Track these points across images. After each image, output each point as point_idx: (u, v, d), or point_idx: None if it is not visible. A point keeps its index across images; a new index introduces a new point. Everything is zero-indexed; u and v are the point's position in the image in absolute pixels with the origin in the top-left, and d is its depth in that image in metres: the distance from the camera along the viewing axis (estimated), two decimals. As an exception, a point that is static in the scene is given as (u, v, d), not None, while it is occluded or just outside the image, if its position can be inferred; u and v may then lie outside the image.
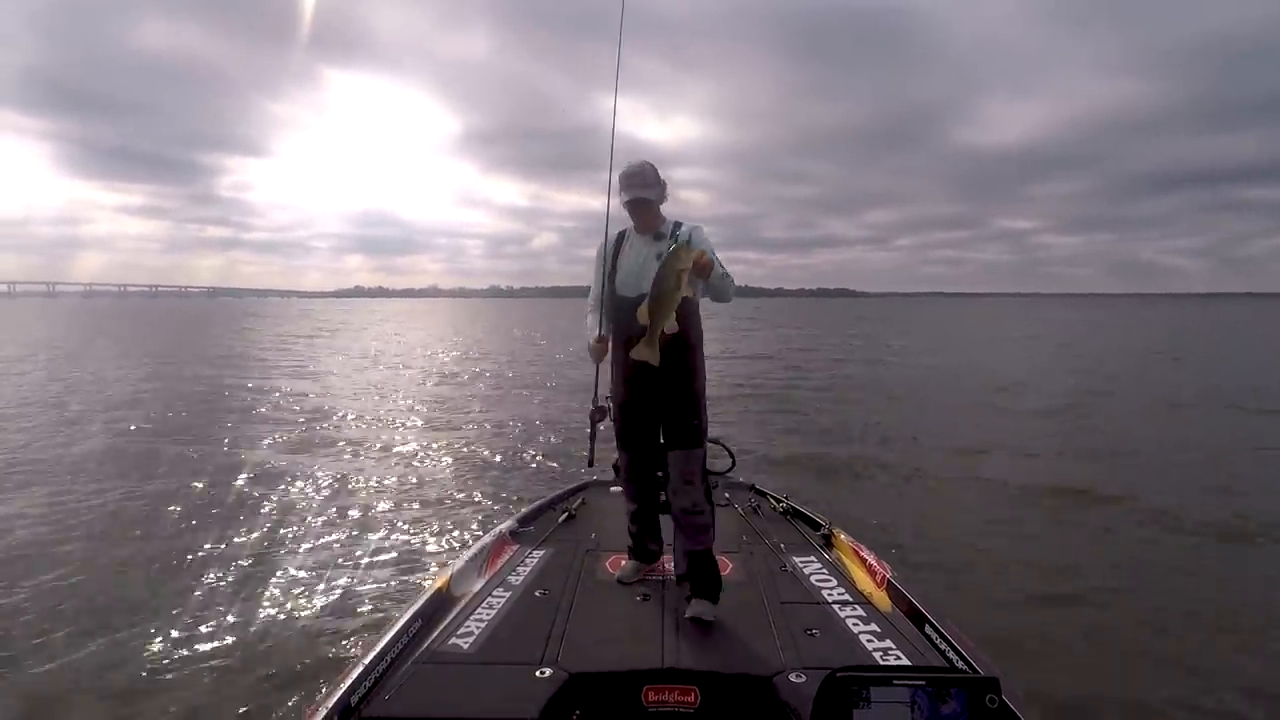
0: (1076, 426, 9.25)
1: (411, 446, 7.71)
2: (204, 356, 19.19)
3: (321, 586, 3.95)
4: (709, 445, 2.62)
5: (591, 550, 2.91)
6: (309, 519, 5.10)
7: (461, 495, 5.77)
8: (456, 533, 4.81)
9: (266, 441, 7.90)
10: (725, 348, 21.13)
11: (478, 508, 5.41)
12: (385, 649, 1.98)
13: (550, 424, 8.99)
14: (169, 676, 3.03)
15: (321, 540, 4.69)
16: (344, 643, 3.29)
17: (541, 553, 2.87)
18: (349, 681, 1.79)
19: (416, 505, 5.50)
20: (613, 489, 3.61)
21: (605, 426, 3.45)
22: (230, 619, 3.54)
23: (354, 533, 4.84)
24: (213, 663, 3.14)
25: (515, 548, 2.93)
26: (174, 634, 3.37)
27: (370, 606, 3.69)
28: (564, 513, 3.33)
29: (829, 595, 2.47)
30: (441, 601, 2.37)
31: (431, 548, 4.57)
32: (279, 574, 4.12)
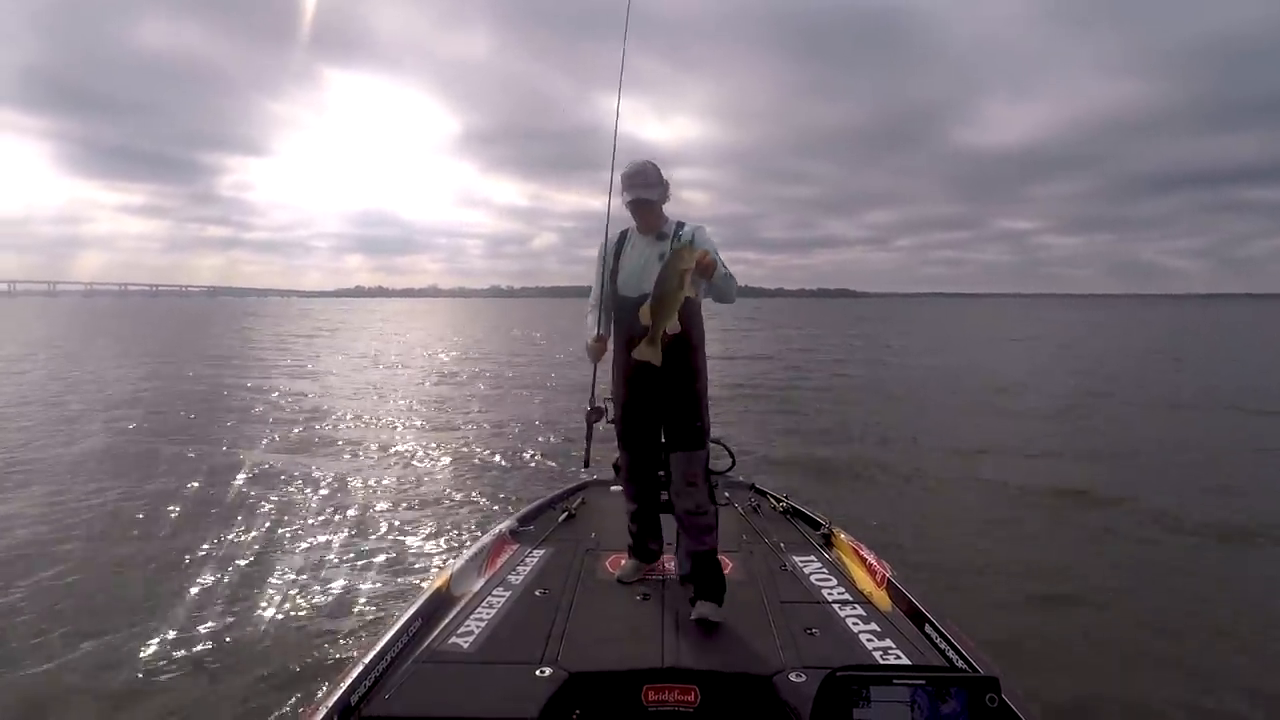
0: (1077, 427, 9.26)
1: (410, 447, 7.71)
2: (204, 356, 19.20)
3: (320, 586, 3.95)
4: (709, 445, 2.62)
5: (591, 550, 2.90)
6: (307, 519, 5.10)
7: (459, 495, 5.76)
8: (454, 533, 4.80)
9: (265, 441, 7.91)
10: (725, 348, 21.13)
11: (476, 508, 5.41)
12: (385, 648, 1.98)
13: (549, 424, 8.99)
14: (167, 677, 3.02)
15: (320, 540, 4.68)
16: (343, 643, 3.29)
17: (541, 552, 2.87)
18: (349, 680, 1.79)
19: (415, 505, 5.50)
20: (613, 488, 3.61)
21: (602, 427, 3.44)
22: (229, 619, 3.54)
23: (352, 533, 4.84)
24: (211, 663, 3.14)
25: (515, 547, 2.93)
26: (172, 634, 3.36)
27: (369, 606, 3.68)
28: (564, 512, 3.33)
29: (829, 594, 2.47)
30: (441, 601, 2.37)
31: (430, 548, 4.57)
32: (278, 574, 4.12)
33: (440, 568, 3.35)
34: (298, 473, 6.42)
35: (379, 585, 3.96)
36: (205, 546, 4.50)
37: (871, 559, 2.70)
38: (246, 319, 49.66)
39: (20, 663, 3.11)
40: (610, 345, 2.67)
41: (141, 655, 3.17)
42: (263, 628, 3.46)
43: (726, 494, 3.58)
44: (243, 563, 4.25)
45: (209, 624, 3.48)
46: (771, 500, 3.57)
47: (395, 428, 8.93)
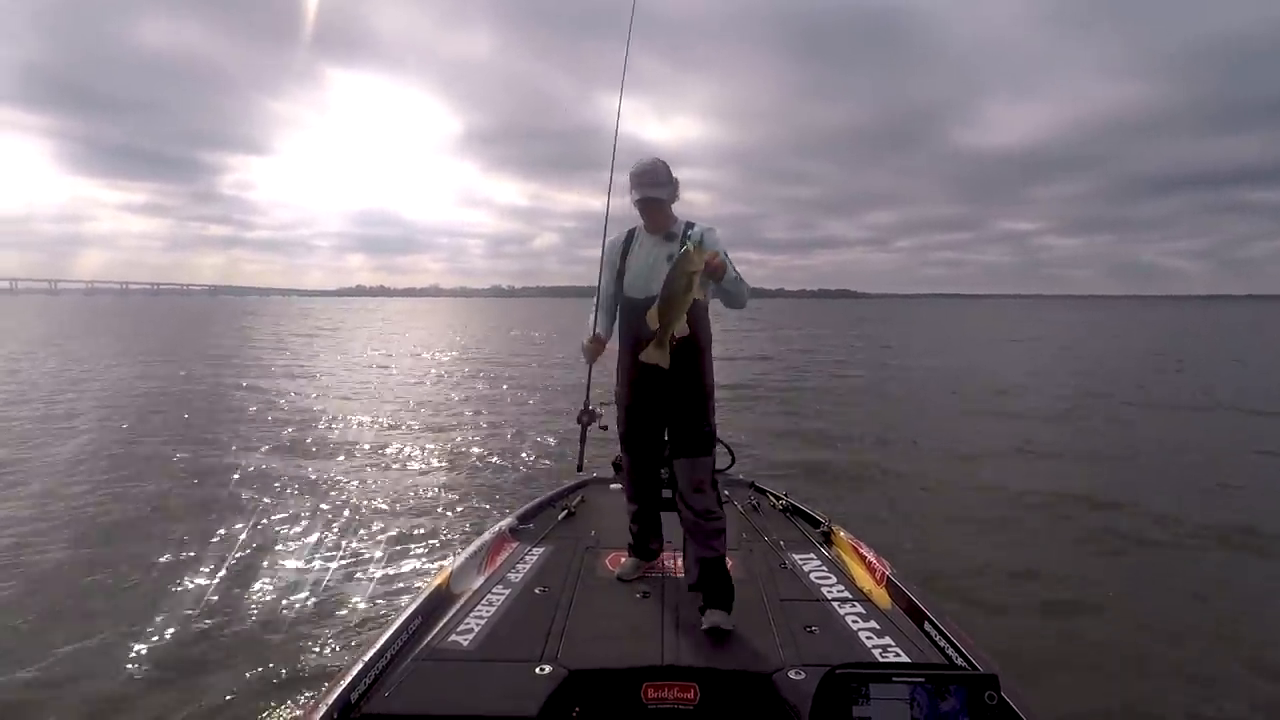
0: (1077, 429, 9.25)
1: (407, 448, 7.70)
2: (203, 355, 19.19)
3: (319, 586, 3.94)
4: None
5: (591, 547, 2.90)
6: (303, 519, 5.09)
7: (454, 495, 5.76)
8: (449, 534, 4.79)
9: (261, 441, 7.90)
10: (726, 349, 21.13)
11: (472, 508, 5.40)
12: (385, 646, 1.98)
13: (546, 425, 8.97)
14: (164, 677, 3.02)
15: (316, 540, 4.68)
16: (342, 641, 3.29)
17: (541, 550, 2.87)
18: (349, 678, 1.79)
19: (411, 505, 5.50)
20: (612, 486, 3.61)
21: (596, 430, 3.44)
22: (226, 619, 3.54)
23: (350, 532, 4.83)
24: (210, 663, 3.14)
25: (515, 545, 2.93)
26: (169, 634, 3.36)
27: (367, 605, 3.68)
28: (564, 510, 3.33)
29: (828, 592, 2.47)
30: (441, 599, 2.37)
31: (426, 547, 4.57)
32: (276, 573, 4.12)
33: (440, 566, 3.36)
34: (294, 473, 6.42)
35: (377, 584, 3.96)
36: (202, 546, 4.50)
37: (871, 557, 2.70)
38: (246, 318, 49.68)
39: (13, 664, 3.09)
40: (611, 347, 2.64)
41: (137, 655, 3.17)
42: (262, 627, 3.46)
43: (726, 492, 3.58)
44: (240, 563, 4.25)
45: (206, 623, 3.48)
46: (771, 498, 3.57)
47: (392, 428, 8.92)
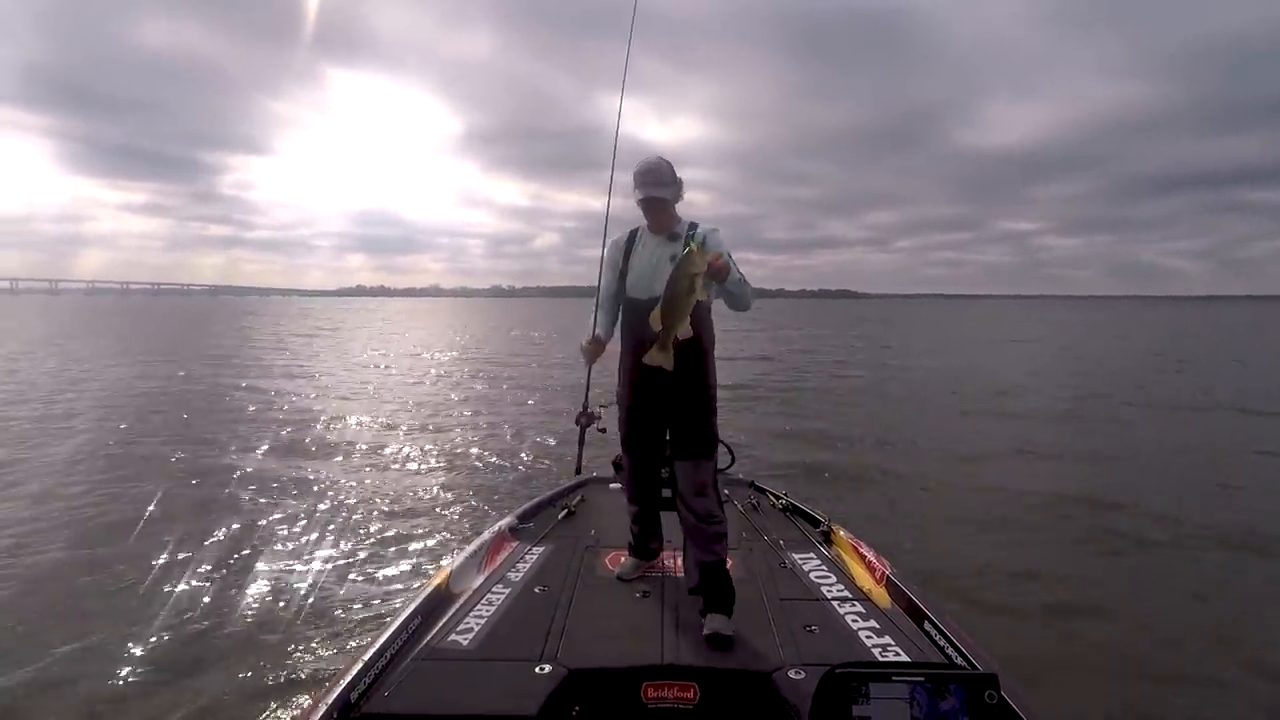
0: (1077, 429, 9.25)
1: (407, 448, 7.69)
2: (202, 355, 19.19)
3: (317, 586, 3.94)
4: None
5: (591, 547, 2.90)
6: (303, 519, 5.09)
7: (453, 495, 5.75)
8: (449, 534, 4.79)
9: (261, 441, 7.89)
10: (725, 349, 21.09)
11: (471, 508, 5.39)
12: (385, 645, 1.98)
13: (546, 425, 8.96)
14: (161, 677, 3.01)
15: (314, 540, 4.68)
16: (340, 642, 3.29)
17: (541, 549, 2.87)
18: (349, 678, 1.79)
19: (410, 506, 5.49)
20: (612, 485, 3.61)
21: (596, 432, 3.44)
22: (225, 619, 3.54)
23: (349, 533, 4.83)
24: (208, 663, 3.13)
25: (515, 544, 2.93)
26: (166, 635, 3.35)
27: (366, 605, 3.68)
28: (563, 509, 3.32)
29: (828, 592, 2.47)
30: (441, 598, 2.37)
31: (425, 547, 4.57)
32: (275, 573, 4.12)
33: (439, 565, 3.36)
34: (293, 473, 6.41)
35: (376, 584, 3.96)
36: (200, 546, 4.49)
37: (871, 556, 2.70)
38: (246, 318, 49.67)
39: (11, 665, 3.08)
40: (612, 348, 2.63)
41: (135, 656, 3.17)
42: (259, 628, 3.46)
43: (726, 491, 3.59)
44: (239, 563, 4.25)
45: (204, 624, 3.48)
46: (771, 497, 3.57)
47: (391, 428, 8.91)
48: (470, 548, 2.78)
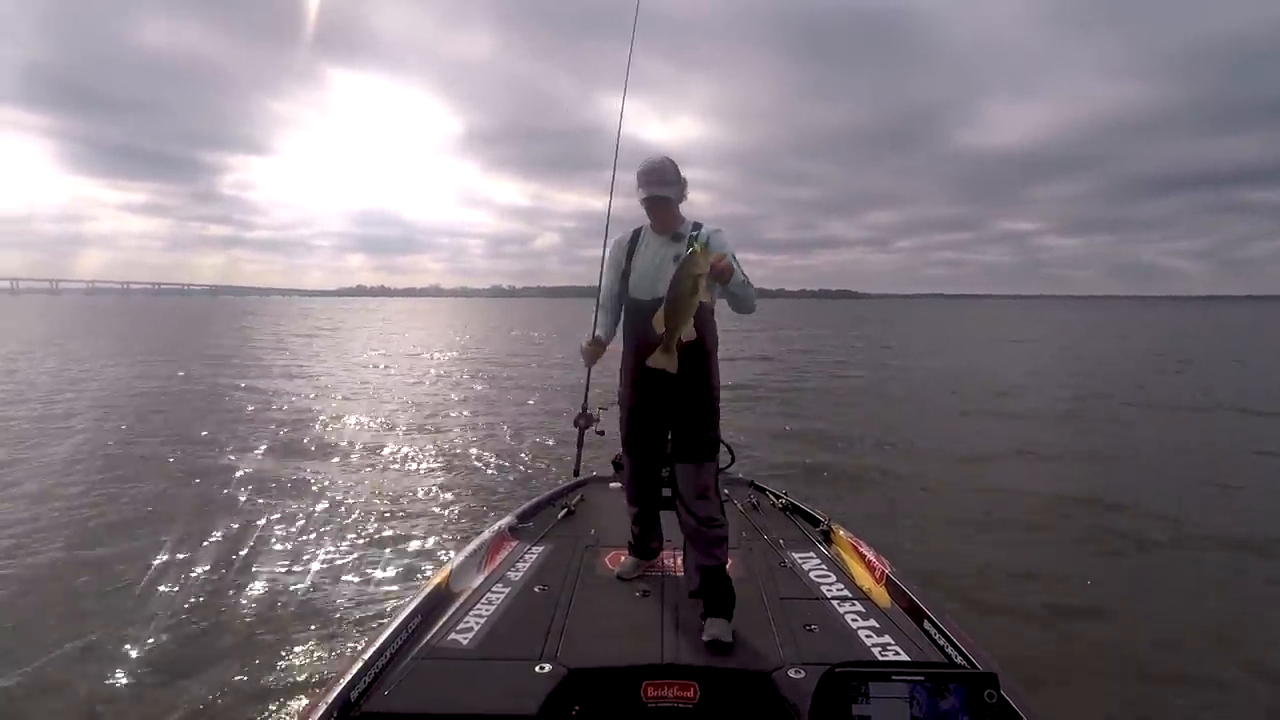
0: (1077, 430, 9.25)
1: (406, 448, 7.69)
2: (202, 355, 19.18)
3: (316, 585, 3.94)
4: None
5: (591, 546, 2.90)
6: (302, 519, 5.09)
7: (453, 495, 5.75)
8: (448, 533, 4.79)
9: (260, 441, 7.88)
10: (725, 349, 21.03)
11: (470, 508, 5.39)
12: (385, 645, 1.98)
13: (545, 426, 8.96)
14: (159, 678, 3.01)
15: (313, 540, 4.68)
16: (339, 641, 3.28)
17: (541, 548, 2.87)
18: (349, 677, 1.79)
19: (410, 505, 5.49)
20: (612, 485, 3.61)
21: (594, 433, 3.43)
22: (224, 619, 3.53)
23: (348, 532, 4.83)
24: (208, 663, 3.13)
25: (514, 543, 2.93)
26: (164, 635, 3.35)
27: (365, 605, 3.68)
28: (563, 509, 3.32)
29: (828, 591, 2.47)
30: (441, 597, 2.37)
31: (425, 547, 4.56)
32: (274, 573, 4.11)
33: (439, 565, 3.36)
34: (292, 473, 6.41)
35: (376, 584, 3.96)
36: (199, 546, 4.49)
37: (871, 555, 2.70)
38: (246, 318, 49.66)
39: (8, 664, 3.08)
40: (613, 348, 2.61)
41: (133, 656, 3.17)
42: (258, 628, 3.45)
43: (726, 490, 3.59)
44: (237, 563, 4.25)
45: (202, 624, 3.47)
46: (771, 497, 3.57)
47: (391, 428, 8.91)
48: (470, 547, 2.78)
